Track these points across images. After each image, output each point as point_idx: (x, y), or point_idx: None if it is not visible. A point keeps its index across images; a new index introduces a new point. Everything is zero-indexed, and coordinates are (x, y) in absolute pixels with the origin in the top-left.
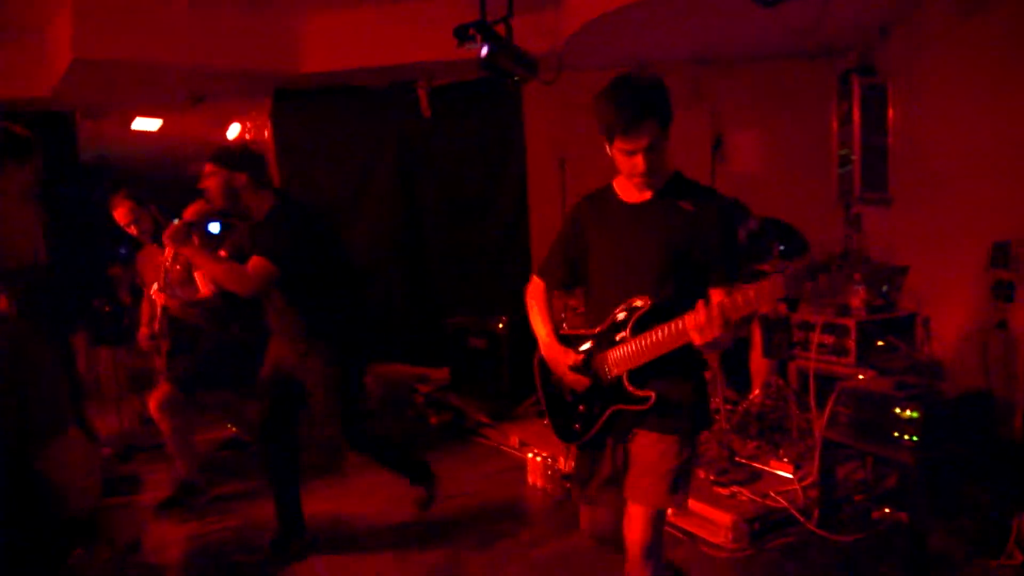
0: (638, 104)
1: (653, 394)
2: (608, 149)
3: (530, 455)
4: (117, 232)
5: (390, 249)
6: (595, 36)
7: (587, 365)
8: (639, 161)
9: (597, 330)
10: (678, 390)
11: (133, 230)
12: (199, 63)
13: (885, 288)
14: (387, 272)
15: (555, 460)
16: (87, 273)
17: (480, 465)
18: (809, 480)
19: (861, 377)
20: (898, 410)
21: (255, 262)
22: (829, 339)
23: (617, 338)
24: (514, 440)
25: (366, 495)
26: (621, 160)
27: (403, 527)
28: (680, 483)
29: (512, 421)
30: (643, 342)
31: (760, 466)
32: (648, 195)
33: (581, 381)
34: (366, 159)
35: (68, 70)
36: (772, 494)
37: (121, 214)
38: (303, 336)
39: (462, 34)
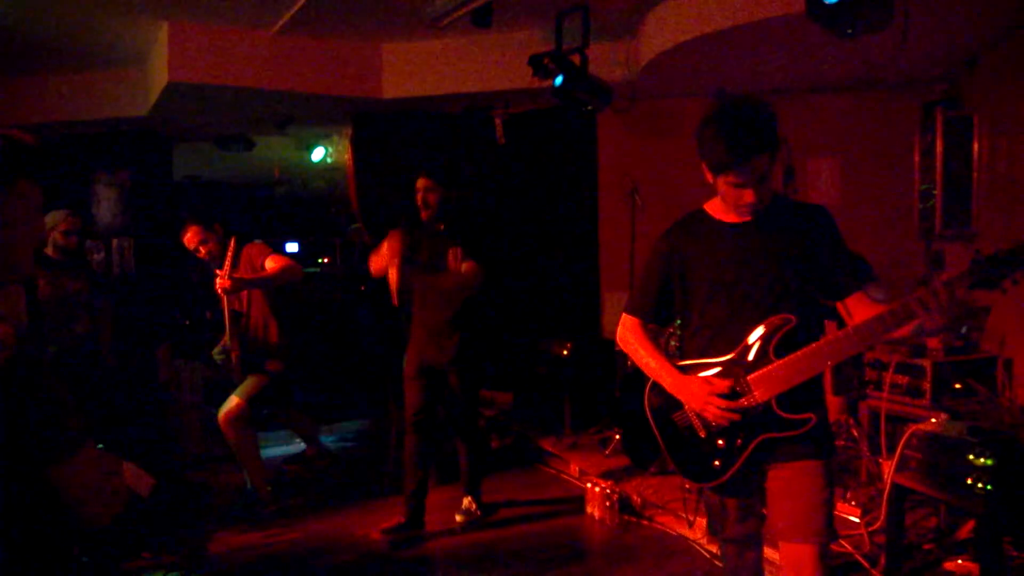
0: (750, 139)
1: (813, 416)
2: (709, 177)
3: (589, 485)
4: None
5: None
6: (671, 66)
7: (743, 409)
8: (749, 193)
9: (728, 356)
10: (821, 410)
11: (202, 251)
12: (285, 88)
13: (965, 328)
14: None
15: (614, 491)
16: (172, 288)
17: (539, 492)
18: (876, 525)
19: (934, 420)
20: (972, 456)
21: (472, 265)
22: (903, 379)
23: (759, 361)
24: (574, 469)
25: (426, 511)
26: (726, 191)
27: (457, 549)
28: (832, 513)
29: (573, 449)
30: (800, 361)
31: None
32: (749, 216)
33: (730, 413)
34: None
35: (163, 92)
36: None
37: (189, 238)
38: (456, 331)
39: (537, 64)
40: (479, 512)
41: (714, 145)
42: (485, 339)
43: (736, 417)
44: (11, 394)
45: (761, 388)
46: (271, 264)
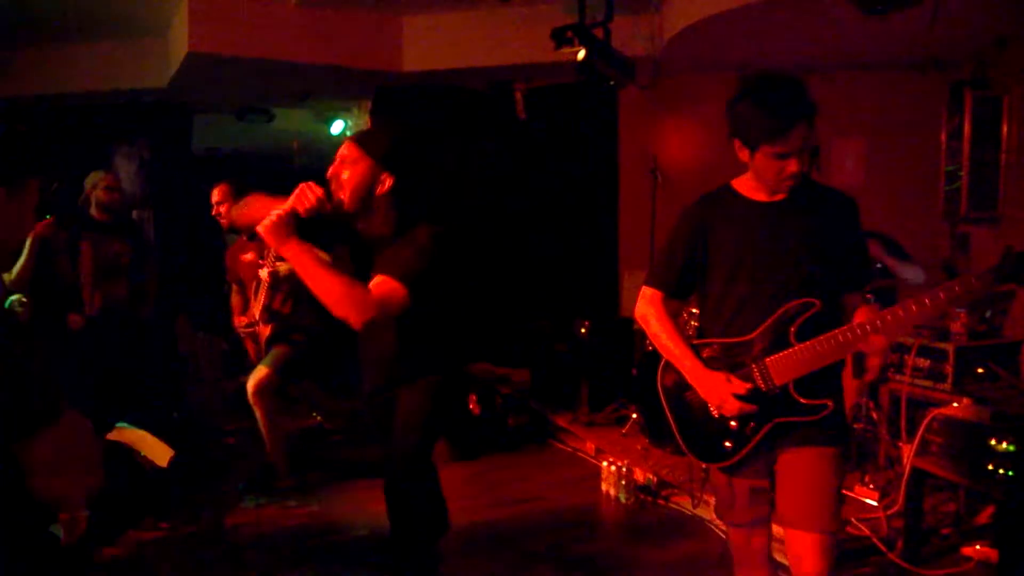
0: (792, 106)
1: (831, 402)
2: (745, 154)
3: (605, 463)
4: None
5: (478, 248)
6: (696, 41)
7: (758, 392)
8: (791, 164)
9: (748, 337)
10: (838, 397)
11: (220, 209)
12: (305, 60)
13: (988, 313)
14: (475, 271)
15: (630, 470)
16: (192, 260)
17: (555, 470)
18: (895, 509)
19: (956, 405)
20: (994, 442)
21: (384, 283)
22: (925, 363)
23: (780, 344)
24: (590, 447)
25: None
26: (767, 165)
27: (472, 529)
28: (841, 503)
29: (590, 428)
30: (821, 346)
31: (843, 491)
32: (781, 195)
33: (748, 407)
34: (460, 159)
35: (183, 63)
36: (854, 520)
37: (216, 193)
38: (397, 362)
39: (560, 37)
40: None
41: (754, 116)
42: (455, 369)
43: (754, 409)
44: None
45: (779, 371)
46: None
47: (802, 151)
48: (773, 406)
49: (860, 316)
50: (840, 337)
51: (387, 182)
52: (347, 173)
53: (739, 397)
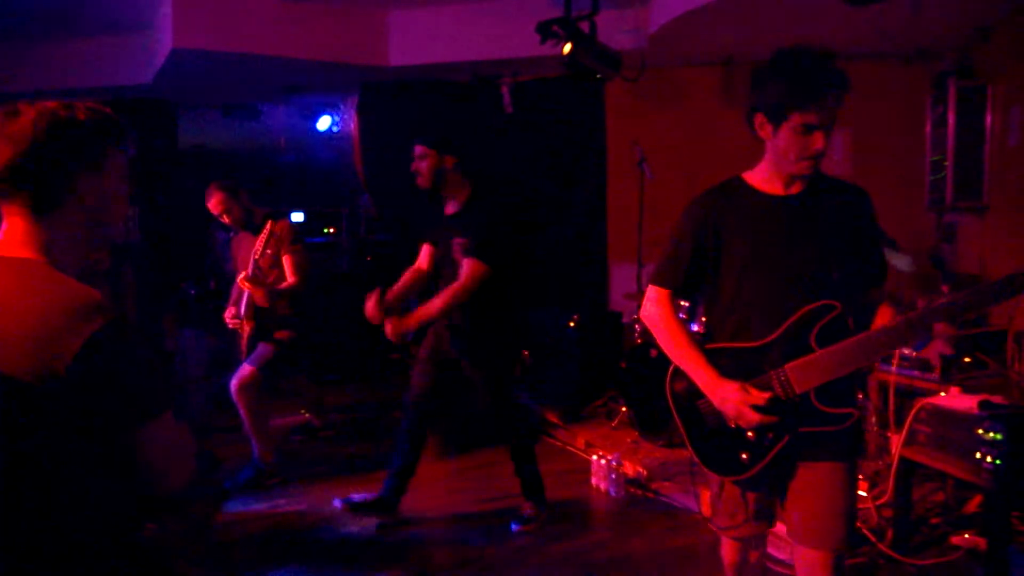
0: (826, 73)
1: (855, 410)
2: (767, 131)
3: (595, 457)
4: (211, 218)
5: None
6: (682, 33)
7: (778, 402)
8: (818, 138)
9: (764, 341)
10: (855, 406)
11: (226, 219)
12: (290, 55)
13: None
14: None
15: (620, 463)
16: (178, 257)
17: (544, 464)
18: (884, 499)
19: (943, 394)
20: (981, 431)
21: (470, 267)
22: (912, 352)
23: (799, 349)
24: (580, 441)
25: (425, 486)
26: (791, 141)
27: (461, 520)
28: (855, 520)
29: (579, 422)
30: (845, 351)
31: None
32: (797, 188)
33: (767, 419)
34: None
35: (168, 59)
36: None
37: (214, 204)
38: (469, 322)
39: (546, 31)
40: (537, 517)
41: (785, 82)
42: (512, 324)
43: (773, 421)
44: (107, 355)
45: (801, 379)
46: (288, 269)
47: (830, 127)
48: (793, 416)
49: (883, 316)
50: (866, 341)
51: (449, 161)
52: (423, 164)
53: (758, 409)
